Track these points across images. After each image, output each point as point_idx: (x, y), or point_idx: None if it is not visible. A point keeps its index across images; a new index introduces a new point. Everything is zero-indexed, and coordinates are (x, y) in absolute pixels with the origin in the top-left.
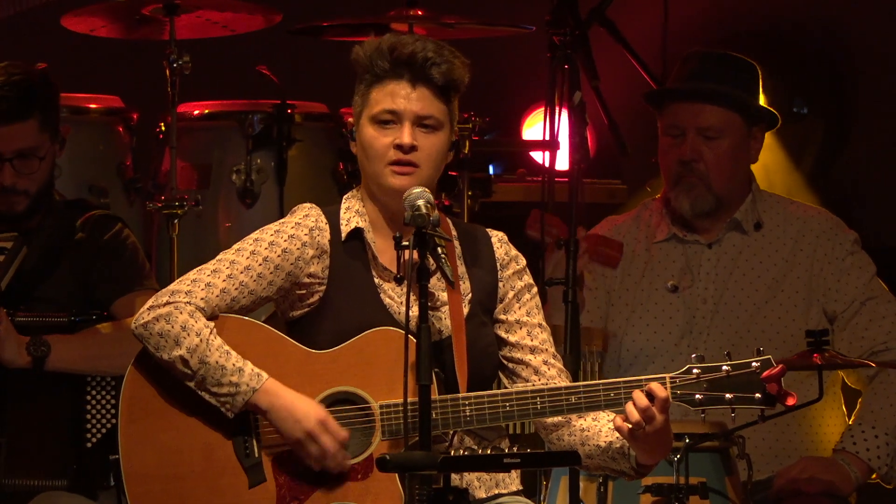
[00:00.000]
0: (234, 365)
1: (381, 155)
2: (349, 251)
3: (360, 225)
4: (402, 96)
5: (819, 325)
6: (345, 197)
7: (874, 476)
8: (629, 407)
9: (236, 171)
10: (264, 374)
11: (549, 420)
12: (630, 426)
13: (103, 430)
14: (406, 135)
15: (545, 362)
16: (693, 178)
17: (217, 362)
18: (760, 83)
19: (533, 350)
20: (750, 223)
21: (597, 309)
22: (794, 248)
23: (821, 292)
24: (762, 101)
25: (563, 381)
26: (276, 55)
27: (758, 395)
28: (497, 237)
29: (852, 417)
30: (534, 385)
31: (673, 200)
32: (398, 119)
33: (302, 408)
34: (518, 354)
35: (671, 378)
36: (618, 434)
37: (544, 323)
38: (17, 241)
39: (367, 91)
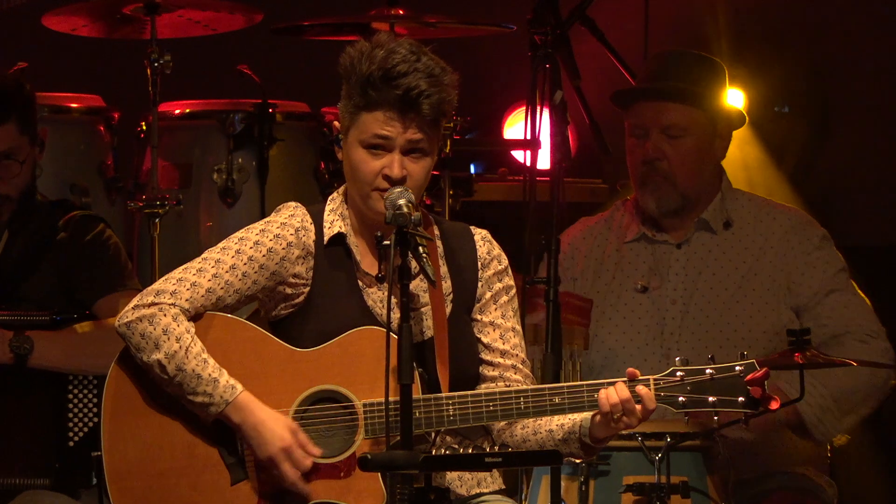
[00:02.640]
0: (209, 375)
1: (368, 180)
2: (332, 253)
3: (343, 230)
4: (393, 127)
5: (791, 323)
6: (329, 198)
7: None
8: (609, 394)
9: (217, 171)
10: (238, 388)
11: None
12: (607, 410)
13: (85, 429)
14: (396, 167)
15: (513, 366)
16: (658, 178)
17: (193, 370)
18: (727, 82)
19: (503, 354)
20: (719, 222)
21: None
22: (764, 246)
23: (787, 286)
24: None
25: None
26: (258, 54)
27: (741, 398)
28: (480, 235)
29: None
30: (500, 387)
31: (640, 200)
32: (388, 147)
33: (269, 430)
34: (488, 356)
35: (655, 380)
36: (565, 419)
37: (518, 327)
38: None
39: (357, 112)
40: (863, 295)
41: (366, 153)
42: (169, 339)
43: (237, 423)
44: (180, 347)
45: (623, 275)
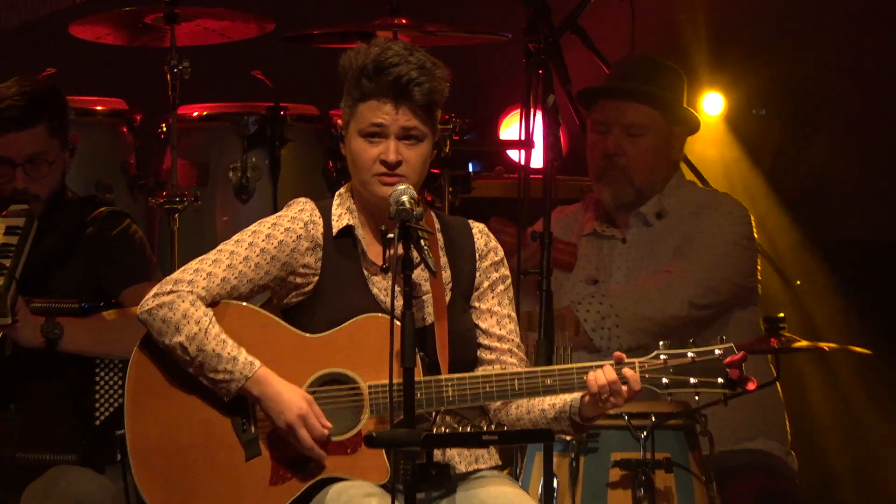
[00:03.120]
0: (229, 353)
1: (368, 167)
2: (340, 245)
3: (351, 222)
4: (387, 114)
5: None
6: (337, 193)
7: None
8: (597, 375)
9: (233, 169)
10: (257, 363)
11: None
12: (595, 391)
13: (111, 409)
14: (391, 152)
15: (509, 351)
16: (616, 172)
17: (213, 350)
18: (685, 88)
19: (500, 339)
20: (653, 214)
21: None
22: (681, 234)
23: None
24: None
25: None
26: (270, 61)
27: (720, 379)
28: (478, 228)
29: None
30: (496, 370)
31: (597, 193)
32: (384, 133)
33: (286, 399)
34: (485, 341)
35: (640, 363)
36: (557, 399)
37: (513, 314)
38: (28, 216)
39: (354, 104)
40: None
41: (364, 142)
42: (189, 322)
43: (256, 396)
44: (200, 329)
45: (579, 266)
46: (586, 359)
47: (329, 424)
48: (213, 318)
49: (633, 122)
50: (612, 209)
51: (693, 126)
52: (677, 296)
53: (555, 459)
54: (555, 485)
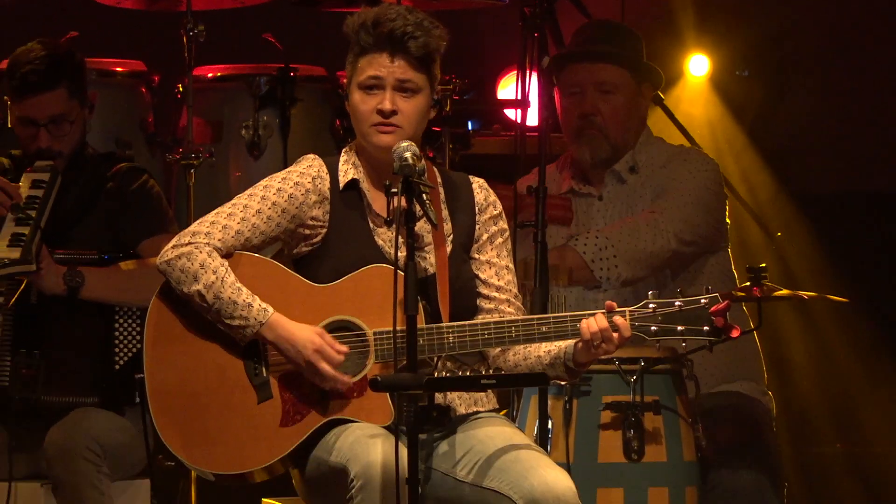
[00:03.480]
0: (244, 301)
1: (366, 118)
2: (347, 198)
3: (356, 176)
4: (383, 65)
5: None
6: (343, 150)
7: (592, 274)
8: (589, 323)
9: (245, 127)
10: (270, 309)
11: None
12: (587, 338)
13: (129, 354)
14: (387, 101)
15: (507, 300)
16: (593, 130)
17: (230, 298)
18: (643, 48)
19: (498, 289)
20: (626, 170)
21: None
22: (655, 185)
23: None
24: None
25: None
26: (280, 24)
27: (706, 327)
28: (478, 183)
29: None
30: (494, 318)
31: (575, 152)
32: (381, 85)
33: (301, 338)
34: (484, 290)
35: (630, 311)
36: (552, 346)
37: (511, 265)
38: (52, 171)
39: (354, 60)
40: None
41: (363, 94)
42: (206, 271)
43: (271, 340)
44: (217, 278)
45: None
46: (583, 296)
47: (343, 348)
48: (229, 268)
49: (605, 80)
50: (589, 167)
51: (657, 81)
52: (665, 230)
53: (549, 402)
54: (549, 426)
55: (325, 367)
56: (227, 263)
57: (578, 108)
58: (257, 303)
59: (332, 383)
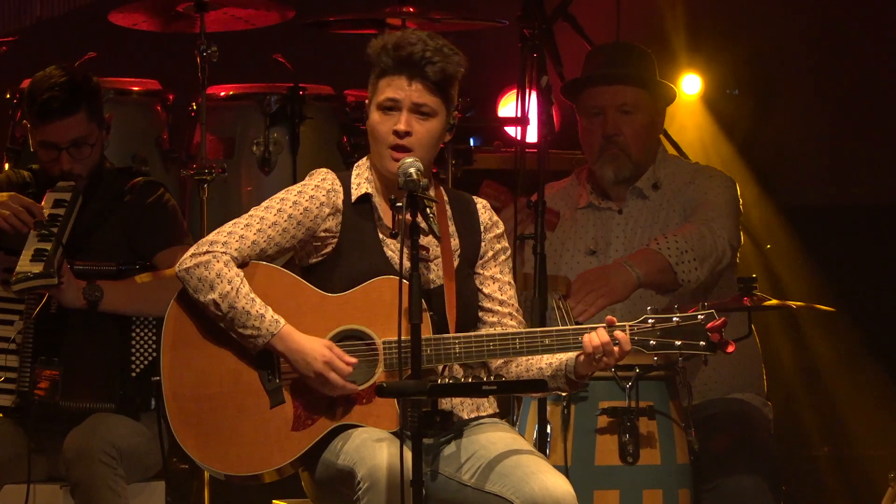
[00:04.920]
0: (257, 311)
1: (382, 138)
2: (358, 211)
3: (368, 190)
4: (401, 88)
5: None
6: (356, 165)
7: (676, 277)
8: (591, 337)
9: (256, 144)
10: (282, 321)
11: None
12: (590, 352)
13: (145, 363)
14: (402, 122)
15: (509, 314)
16: (615, 150)
17: (244, 308)
18: (657, 68)
19: (501, 303)
20: (648, 187)
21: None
22: (684, 200)
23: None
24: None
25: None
26: (290, 46)
27: (702, 342)
28: (482, 204)
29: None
30: (497, 331)
31: (597, 171)
32: (398, 107)
33: (311, 350)
34: (488, 304)
35: (630, 326)
36: (553, 358)
37: (512, 281)
38: (74, 191)
39: (375, 81)
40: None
41: (380, 115)
42: (222, 281)
43: (281, 351)
44: (232, 288)
45: (576, 237)
46: (654, 299)
47: (352, 359)
48: (244, 279)
49: (626, 101)
50: (611, 185)
51: (670, 98)
52: (720, 236)
53: (548, 408)
54: (548, 430)
55: (334, 377)
56: (242, 274)
57: (601, 129)
58: (269, 314)
59: (342, 391)
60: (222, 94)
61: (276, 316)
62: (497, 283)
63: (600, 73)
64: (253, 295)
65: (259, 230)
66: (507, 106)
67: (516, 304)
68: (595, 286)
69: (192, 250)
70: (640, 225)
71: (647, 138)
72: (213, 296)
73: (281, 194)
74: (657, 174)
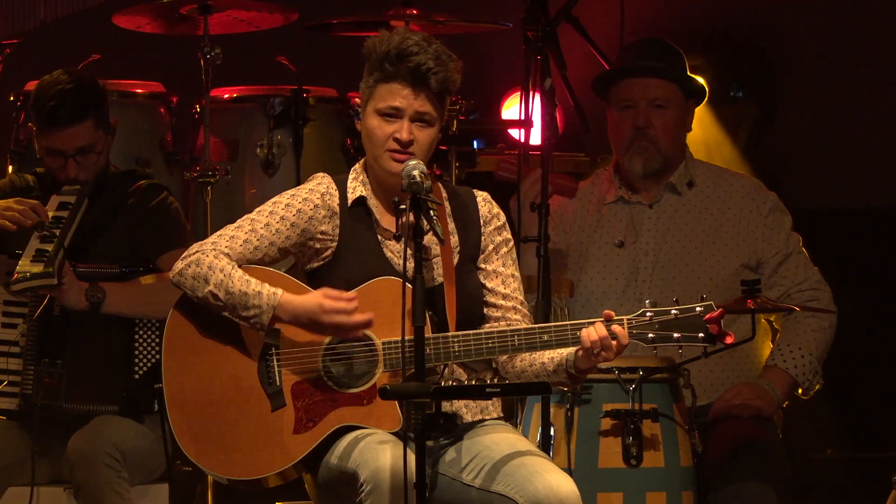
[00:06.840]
0: (254, 290)
1: (382, 143)
2: (356, 214)
3: (364, 193)
4: (405, 98)
5: (745, 274)
6: (352, 168)
7: (800, 391)
8: (589, 332)
9: (260, 146)
10: (279, 291)
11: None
12: (588, 346)
13: (149, 365)
14: (405, 132)
15: (513, 308)
16: (645, 142)
17: (240, 290)
18: (687, 65)
19: (505, 297)
20: (683, 184)
21: (557, 260)
22: (723, 207)
23: (748, 245)
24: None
25: (527, 324)
26: (294, 48)
27: (701, 334)
28: (482, 197)
29: (776, 341)
30: (501, 326)
31: (626, 163)
32: (399, 115)
33: (309, 306)
34: (492, 299)
35: (628, 320)
36: (555, 353)
37: (517, 273)
38: (79, 195)
39: (375, 84)
40: (804, 249)
41: (380, 120)
42: (214, 272)
43: (288, 320)
44: (225, 275)
45: (603, 231)
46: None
47: (351, 294)
48: (236, 265)
49: (658, 95)
50: (639, 178)
51: (700, 95)
52: (827, 304)
53: (552, 410)
54: (552, 433)
55: (342, 320)
56: (234, 263)
57: (632, 121)
58: (266, 289)
59: (351, 329)
60: (226, 96)
61: (272, 289)
62: (500, 277)
63: (636, 65)
64: (247, 277)
65: (251, 230)
66: (511, 108)
67: (521, 297)
68: (748, 398)
69: (182, 256)
70: (672, 220)
71: (677, 134)
72: (209, 287)
73: (276, 198)
74: (691, 172)
